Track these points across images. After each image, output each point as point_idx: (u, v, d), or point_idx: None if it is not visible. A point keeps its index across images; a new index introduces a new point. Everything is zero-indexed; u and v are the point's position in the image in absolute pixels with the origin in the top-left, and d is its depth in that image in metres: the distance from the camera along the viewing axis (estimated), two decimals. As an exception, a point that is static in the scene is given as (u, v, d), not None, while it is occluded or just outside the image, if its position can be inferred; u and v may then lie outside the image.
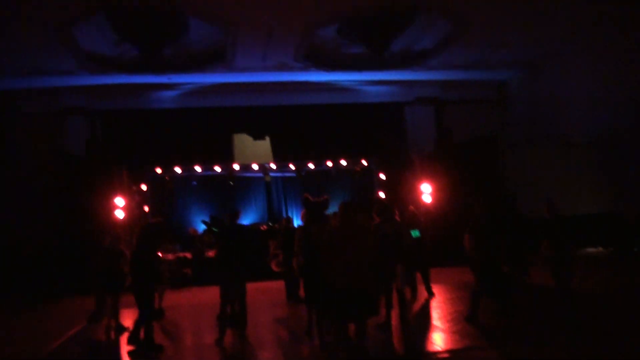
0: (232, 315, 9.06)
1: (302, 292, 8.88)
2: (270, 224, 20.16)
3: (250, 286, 9.04)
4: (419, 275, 11.52)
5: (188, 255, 16.33)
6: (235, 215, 9.26)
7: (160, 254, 10.31)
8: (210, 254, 15.38)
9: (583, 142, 17.20)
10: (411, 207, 12.20)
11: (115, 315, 9.80)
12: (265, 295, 12.71)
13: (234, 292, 8.79)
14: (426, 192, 17.32)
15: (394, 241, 8.47)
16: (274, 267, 11.82)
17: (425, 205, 17.24)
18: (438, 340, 7.97)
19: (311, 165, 20.76)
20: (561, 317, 8.96)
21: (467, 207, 10.17)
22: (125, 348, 8.53)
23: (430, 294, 11.25)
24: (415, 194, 17.52)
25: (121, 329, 9.67)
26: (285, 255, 11.69)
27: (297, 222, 20.29)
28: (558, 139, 18.18)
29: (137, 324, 8.30)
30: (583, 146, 17.06)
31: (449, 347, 7.63)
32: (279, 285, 12.80)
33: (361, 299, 6.73)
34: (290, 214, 21.07)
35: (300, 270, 8.70)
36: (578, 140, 17.49)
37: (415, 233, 10.91)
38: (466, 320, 8.83)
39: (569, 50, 17.58)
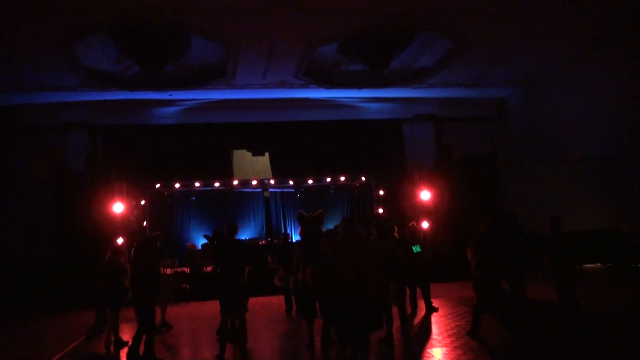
0: (232, 329, 9.07)
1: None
2: (269, 239, 20.20)
3: (250, 300, 9.03)
4: (419, 291, 11.53)
5: (186, 269, 16.32)
6: (233, 228, 9.25)
7: (161, 268, 10.38)
8: (209, 268, 15.38)
9: (583, 158, 17.29)
10: (413, 223, 12.25)
11: (115, 330, 9.77)
12: (265, 310, 12.71)
13: (233, 307, 8.78)
14: (425, 208, 17.34)
15: (390, 258, 8.53)
16: (277, 282, 11.84)
17: (424, 221, 17.28)
18: (440, 355, 7.97)
19: (310, 181, 20.82)
20: (563, 331, 8.98)
21: (472, 223, 10.21)
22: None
23: (432, 309, 11.24)
24: (414, 210, 17.55)
25: (121, 343, 9.65)
26: (284, 270, 11.77)
27: (295, 238, 20.40)
28: (558, 156, 18.28)
29: (136, 338, 8.30)
30: (583, 163, 17.14)
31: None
32: (278, 299, 12.82)
33: (364, 313, 6.78)
34: (288, 229, 21.17)
35: (296, 287, 8.73)
36: (578, 157, 17.58)
37: (416, 248, 10.96)
38: (468, 336, 8.85)
39: (568, 68, 17.72)
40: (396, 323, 8.84)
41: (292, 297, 11.98)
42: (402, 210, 18.05)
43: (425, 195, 17.31)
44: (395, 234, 9.19)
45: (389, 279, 8.42)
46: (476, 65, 17.06)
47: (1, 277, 14.82)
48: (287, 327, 11.15)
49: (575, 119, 17.80)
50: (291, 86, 17.91)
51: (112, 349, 9.66)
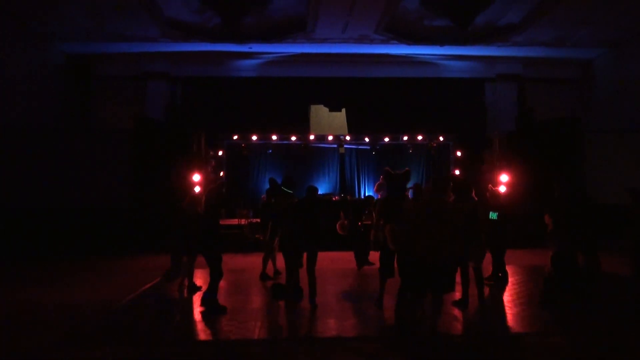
0: (291, 286, 9.12)
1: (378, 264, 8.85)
2: (342, 194, 20.27)
3: (320, 255, 9.06)
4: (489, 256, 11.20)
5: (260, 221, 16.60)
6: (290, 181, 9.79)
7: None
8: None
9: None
10: (490, 186, 11.87)
11: (190, 275, 10.05)
12: (335, 265, 12.75)
13: (300, 261, 8.90)
14: (505, 172, 16.88)
15: (470, 219, 8.39)
16: (339, 230, 11.91)
17: (503, 184, 16.89)
18: (509, 322, 7.83)
19: (386, 139, 20.67)
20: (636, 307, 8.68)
21: (547, 189, 9.89)
22: (196, 306, 8.78)
23: (497, 277, 10.86)
24: (493, 174, 17.15)
25: (194, 288, 9.90)
26: (352, 223, 11.86)
27: (369, 193, 20.37)
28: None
29: (210, 285, 8.52)
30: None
31: (519, 330, 7.48)
32: (349, 255, 12.84)
33: (440, 274, 6.76)
34: (362, 186, 21.18)
35: (377, 244, 8.69)
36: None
37: (493, 215, 10.60)
38: (539, 305, 8.65)
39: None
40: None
41: (362, 253, 12.13)
42: (481, 172, 17.68)
43: (504, 158, 16.85)
44: (474, 196, 8.99)
45: (469, 240, 8.33)
46: (563, 23, 16.36)
47: (80, 221, 15.46)
48: (356, 282, 11.18)
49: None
50: (371, 41, 17.66)
51: (185, 293, 9.96)
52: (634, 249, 9.17)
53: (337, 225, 12.07)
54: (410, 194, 10.00)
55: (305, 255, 8.88)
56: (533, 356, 6.46)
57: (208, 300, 8.50)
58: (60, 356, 6.55)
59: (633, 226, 9.10)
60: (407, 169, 8.82)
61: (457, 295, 8.96)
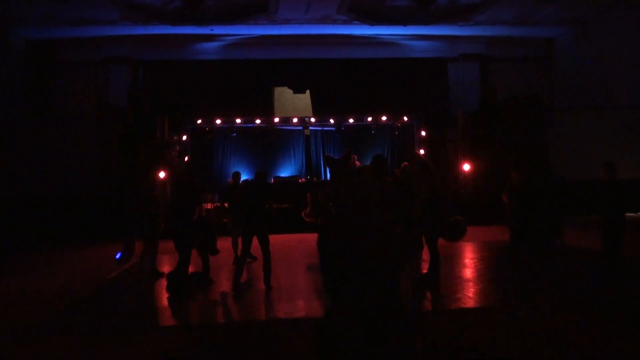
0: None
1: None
2: (308, 177, 20.24)
3: (284, 237, 9.01)
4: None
5: (226, 204, 16.47)
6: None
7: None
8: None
9: (628, 106, 16.75)
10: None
11: (152, 261, 9.90)
12: (302, 245, 12.73)
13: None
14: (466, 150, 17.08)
15: (436, 196, 8.42)
16: (305, 217, 11.92)
17: (465, 163, 17.08)
18: (470, 296, 7.91)
19: (351, 120, 20.67)
20: (607, 281, 8.81)
21: (507, 173, 10.02)
22: (161, 292, 8.68)
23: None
24: (455, 153, 17.33)
25: (157, 274, 9.76)
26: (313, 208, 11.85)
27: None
28: (603, 101, 17.71)
29: (177, 270, 8.43)
30: (630, 109, 16.60)
31: (480, 304, 7.57)
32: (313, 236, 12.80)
33: (383, 258, 6.72)
34: (328, 168, 21.15)
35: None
36: (623, 103, 17.03)
37: None
38: (497, 279, 8.77)
39: (619, 9, 17.01)
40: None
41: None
42: (444, 151, 17.87)
43: (467, 136, 17.03)
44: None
45: (436, 217, 8.35)
46: (525, 2, 16.50)
47: (44, 210, 15.18)
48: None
49: (623, 65, 17.18)
50: (334, 22, 17.56)
51: (148, 279, 9.78)
52: (606, 224, 9.25)
53: (302, 213, 12.03)
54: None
55: (256, 239, 8.80)
56: (496, 330, 6.53)
57: (176, 286, 8.41)
58: (30, 345, 6.44)
59: (606, 201, 9.14)
60: (348, 150, 8.75)
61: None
